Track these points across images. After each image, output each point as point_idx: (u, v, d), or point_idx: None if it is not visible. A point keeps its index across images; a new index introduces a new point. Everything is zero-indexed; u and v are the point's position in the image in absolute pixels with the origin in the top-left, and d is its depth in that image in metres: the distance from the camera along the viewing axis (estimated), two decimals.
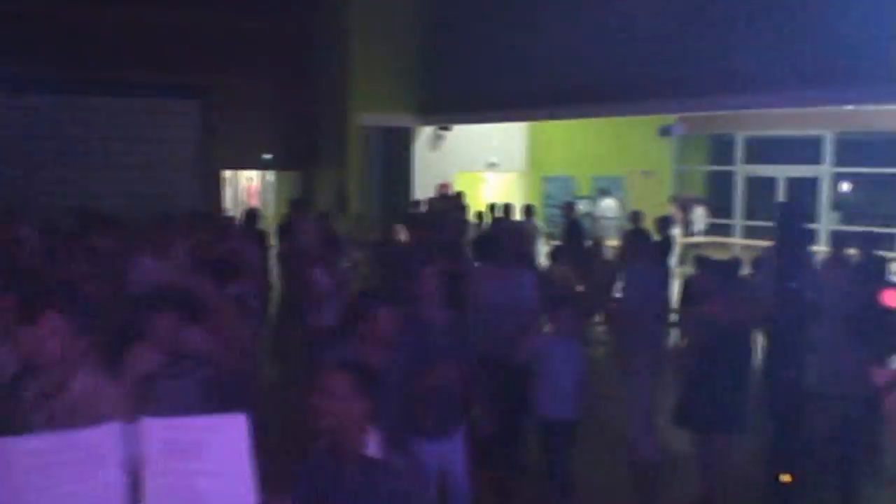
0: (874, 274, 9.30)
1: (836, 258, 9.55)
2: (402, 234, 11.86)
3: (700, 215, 19.32)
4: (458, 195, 16.66)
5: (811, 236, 9.25)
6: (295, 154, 19.24)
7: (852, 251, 9.98)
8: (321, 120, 18.91)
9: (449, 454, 5.21)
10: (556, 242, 14.15)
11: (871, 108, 14.81)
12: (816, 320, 6.68)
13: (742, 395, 6.51)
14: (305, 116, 19.09)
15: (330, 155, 18.69)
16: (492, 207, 15.19)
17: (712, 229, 19.59)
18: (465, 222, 14.42)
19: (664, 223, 12.61)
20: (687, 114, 17.42)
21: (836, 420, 6.28)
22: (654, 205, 17.42)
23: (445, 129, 18.77)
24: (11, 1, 16.39)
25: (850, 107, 15.02)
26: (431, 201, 16.15)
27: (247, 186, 24.13)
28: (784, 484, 5.96)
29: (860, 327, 5.82)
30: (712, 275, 7.00)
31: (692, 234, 18.69)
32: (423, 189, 18.12)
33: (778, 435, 6.67)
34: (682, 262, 15.01)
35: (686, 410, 6.60)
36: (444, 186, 17.89)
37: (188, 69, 17.63)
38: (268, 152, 19.01)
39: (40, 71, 16.45)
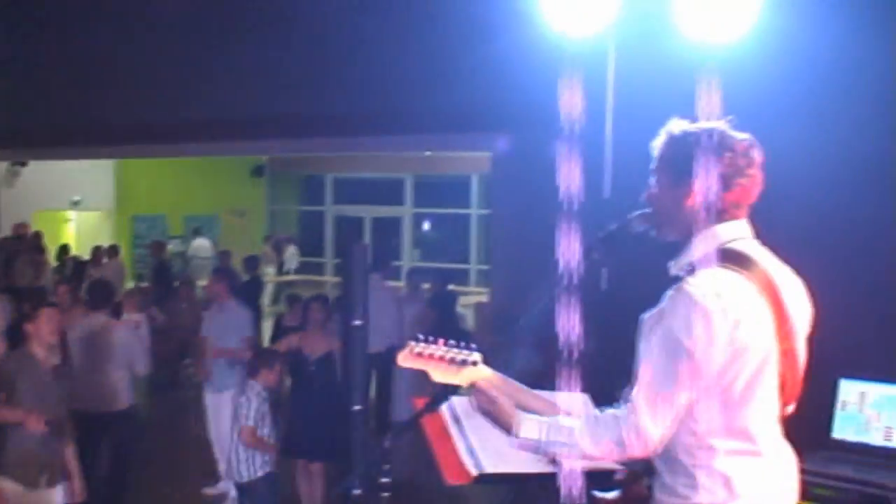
0: (445, 307, 10.10)
1: (413, 293, 10.23)
2: None
3: (292, 254, 19.68)
4: (36, 235, 15.60)
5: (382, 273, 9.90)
6: None
7: (427, 286, 10.75)
8: None
9: None
10: (145, 284, 13.74)
11: (444, 154, 15.98)
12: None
13: (332, 424, 6.82)
14: None
15: None
16: (64, 249, 14.47)
17: (305, 268, 20.02)
18: (43, 264, 13.54)
19: (251, 263, 12.75)
20: (278, 154, 17.75)
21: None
22: (248, 244, 17.51)
23: (21, 164, 17.50)
24: None
25: (427, 152, 16.10)
26: (2, 243, 14.99)
27: None
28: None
29: None
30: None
31: (285, 273, 18.98)
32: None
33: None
34: (275, 300, 15.20)
35: (288, 440, 6.91)
36: (20, 227, 16.63)
37: None
38: None
39: None
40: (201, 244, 18.27)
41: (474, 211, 18.88)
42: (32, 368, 5.32)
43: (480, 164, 12.66)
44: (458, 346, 2.69)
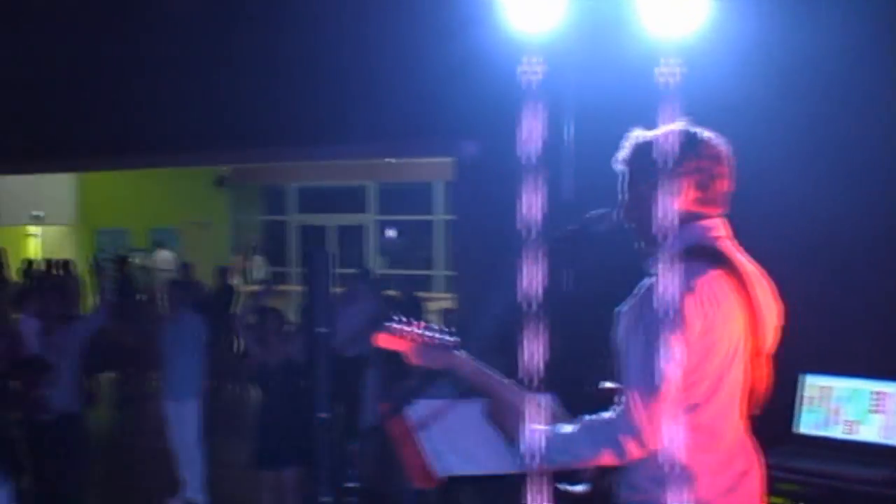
0: (412, 313, 10.07)
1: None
2: None
3: (259, 264, 19.57)
4: None
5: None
6: None
7: (394, 293, 10.75)
8: None
9: None
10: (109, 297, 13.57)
11: (407, 160, 15.96)
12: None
13: (298, 429, 6.80)
14: None
15: None
16: (29, 264, 14.32)
17: (270, 277, 19.90)
18: (3, 281, 13.38)
19: (222, 273, 12.68)
20: (239, 164, 17.65)
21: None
22: (212, 256, 17.37)
23: None
24: None
25: (390, 159, 16.07)
26: None
27: None
28: None
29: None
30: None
31: (252, 283, 18.86)
32: None
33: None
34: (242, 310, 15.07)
35: (260, 450, 6.98)
36: None
37: None
38: None
39: None
40: (164, 256, 18.12)
41: (438, 217, 18.89)
42: None
43: (444, 170, 12.66)
44: (437, 330, 2.69)
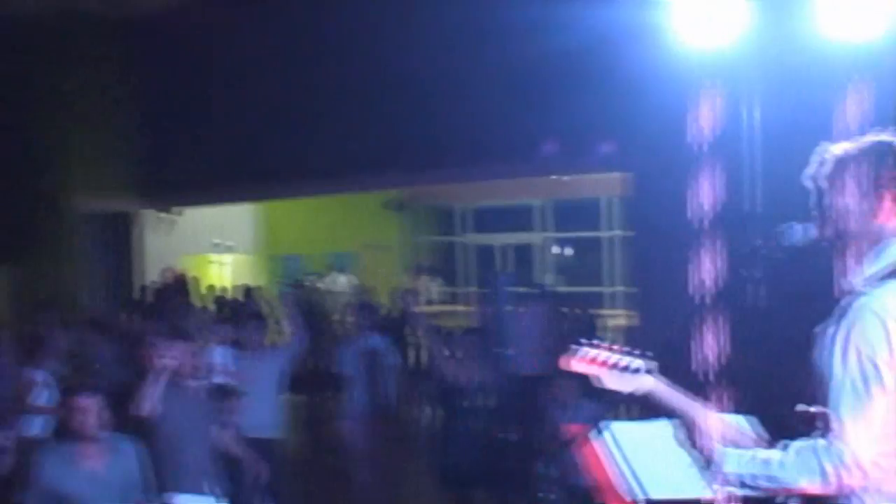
0: (587, 331, 9.97)
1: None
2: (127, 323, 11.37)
3: (433, 286, 19.87)
4: (181, 279, 16.24)
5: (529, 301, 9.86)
6: (3, 245, 18.00)
7: (569, 311, 10.67)
8: (32, 206, 17.85)
9: None
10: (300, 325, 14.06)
11: (577, 176, 15.85)
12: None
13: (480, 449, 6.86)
14: (14, 203, 17.94)
15: (46, 244, 17.66)
16: (214, 288, 15.02)
17: (444, 298, 20.18)
18: (188, 306, 14.05)
19: (398, 296, 12.92)
20: (412, 187, 17.99)
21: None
22: (387, 278, 17.75)
23: (172, 212, 18.27)
24: None
25: (559, 176, 16.00)
26: (150, 287, 15.65)
27: None
28: None
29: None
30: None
31: (427, 304, 19.15)
32: (151, 275, 17.47)
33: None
34: (419, 331, 15.31)
35: (444, 469, 7.11)
36: (168, 271, 17.34)
37: None
38: None
39: None
40: (341, 280, 18.65)
41: (608, 233, 18.69)
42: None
43: (614, 185, 12.50)
44: (628, 353, 2.64)
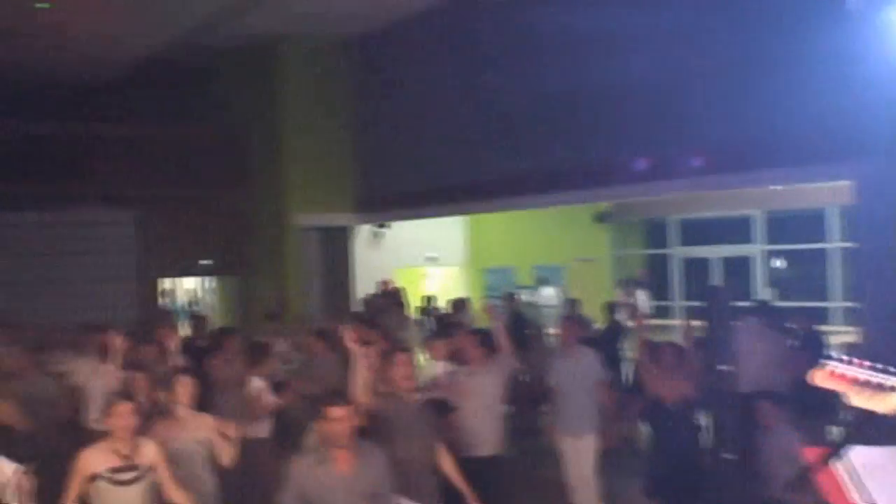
0: (816, 348, 9.46)
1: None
2: (346, 335, 11.71)
3: (643, 299, 19.53)
4: (397, 291, 16.64)
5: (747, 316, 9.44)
6: (233, 258, 19.11)
7: (792, 326, 10.15)
8: (258, 222, 18.86)
9: None
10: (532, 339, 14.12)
11: (796, 186, 15.18)
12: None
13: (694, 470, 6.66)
14: (243, 219, 19.02)
15: (268, 257, 18.60)
16: (428, 299, 15.30)
17: (653, 312, 19.78)
18: (405, 318, 14.38)
19: (611, 309, 12.74)
20: (622, 200, 17.75)
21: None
22: (595, 291, 17.57)
23: (384, 226, 18.82)
24: None
25: (777, 187, 15.38)
26: (368, 300, 16.10)
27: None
28: None
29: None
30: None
31: (638, 318, 18.80)
32: (363, 288, 18.05)
33: None
34: (629, 345, 15.07)
35: (652, 484, 7.03)
36: (384, 284, 17.85)
37: (122, 179, 17.55)
38: (206, 258, 18.86)
39: None
40: (549, 293, 18.63)
41: (833, 245, 17.75)
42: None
43: (839, 194, 11.84)
44: (881, 370, 2.45)
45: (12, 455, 5.18)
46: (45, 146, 16.99)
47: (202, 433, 6.10)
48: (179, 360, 8.50)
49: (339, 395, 5.23)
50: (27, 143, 16.88)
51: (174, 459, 5.71)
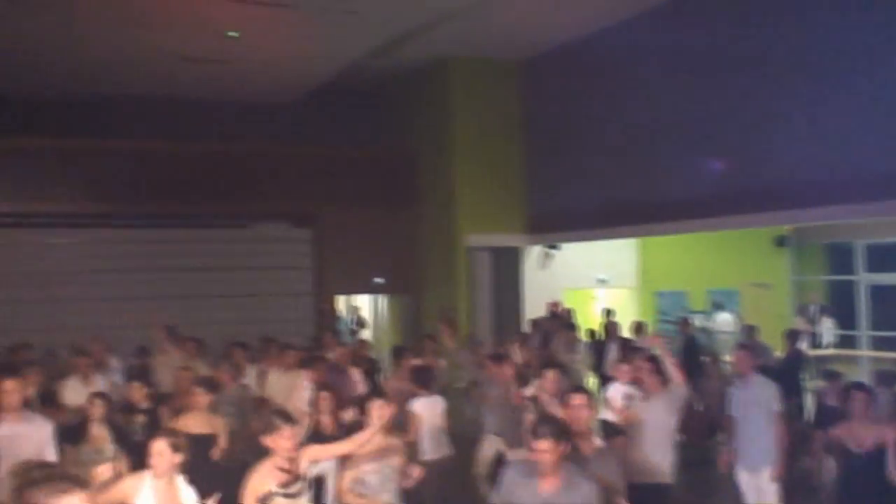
0: None
1: None
2: (515, 354, 11.69)
3: (828, 327, 18.70)
4: (567, 313, 16.48)
5: None
6: (405, 277, 19.41)
7: None
8: (430, 242, 19.10)
9: None
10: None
11: None
12: None
13: None
14: (415, 239, 19.32)
15: (439, 276, 18.80)
16: (607, 313, 15.16)
17: (838, 341, 18.92)
18: (575, 340, 14.22)
19: (792, 337, 12.24)
20: (802, 224, 17.03)
21: None
22: (772, 318, 16.91)
23: (554, 247, 18.71)
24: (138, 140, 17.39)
25: None
26: (537, 321, 16.01)
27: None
28: None
29: None
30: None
31: (820, 347, 18.03)
32: (532, 308, 17.98)
33: None
34: (811, 376, 14.45)
35: None
36: (554, 305, 17.71)
37: (299, 198, 18.15)
38: (378, 276, 19.21)
39: (145, 205, 17.12)
40: (724, 318, 18.05)
41: None
42: None
43: None
44: None
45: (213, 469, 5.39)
46: (227, 166, 17.79)
47: (390, 455, 6.18)
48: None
49: (549, 425, 5.16)
50: (212, 162, 17.73)
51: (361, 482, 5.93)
